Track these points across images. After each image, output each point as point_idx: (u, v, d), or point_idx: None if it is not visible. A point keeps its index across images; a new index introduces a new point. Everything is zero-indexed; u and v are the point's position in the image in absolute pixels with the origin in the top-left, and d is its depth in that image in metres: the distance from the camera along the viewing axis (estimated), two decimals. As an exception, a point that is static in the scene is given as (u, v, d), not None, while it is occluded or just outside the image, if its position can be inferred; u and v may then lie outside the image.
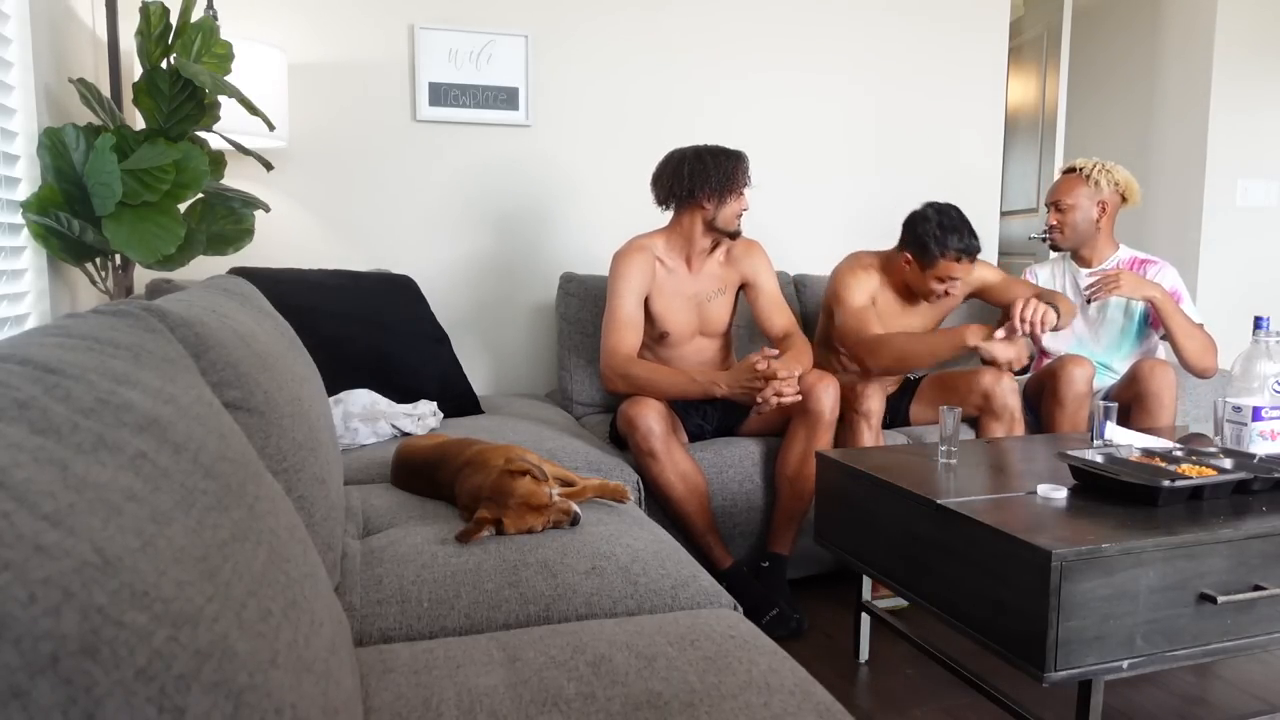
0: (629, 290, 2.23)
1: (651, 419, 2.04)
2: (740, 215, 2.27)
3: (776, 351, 2.11)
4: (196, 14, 2.19)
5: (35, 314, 1.72)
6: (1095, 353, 2.61)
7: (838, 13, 3.16)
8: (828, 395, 2.11)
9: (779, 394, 2.03)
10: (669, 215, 2.33)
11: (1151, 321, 2.58)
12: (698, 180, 2.19)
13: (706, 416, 2.33)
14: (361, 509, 1.58)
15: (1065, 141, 3.94)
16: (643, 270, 2.25)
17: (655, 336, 2.30)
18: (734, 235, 2.29)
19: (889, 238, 3.20)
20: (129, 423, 0.59)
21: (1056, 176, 2.77)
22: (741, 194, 2.24)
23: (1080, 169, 2.64)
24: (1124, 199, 2.64)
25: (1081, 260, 2.68)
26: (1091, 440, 1.87)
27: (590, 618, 1.19)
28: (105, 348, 0.69)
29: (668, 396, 2.16)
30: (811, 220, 3.21)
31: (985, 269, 2.51)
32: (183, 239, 1.77)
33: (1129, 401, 2.34)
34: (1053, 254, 2.90)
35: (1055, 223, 2.65)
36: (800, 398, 2.08)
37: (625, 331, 2.21)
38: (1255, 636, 1.40)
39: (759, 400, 2.05)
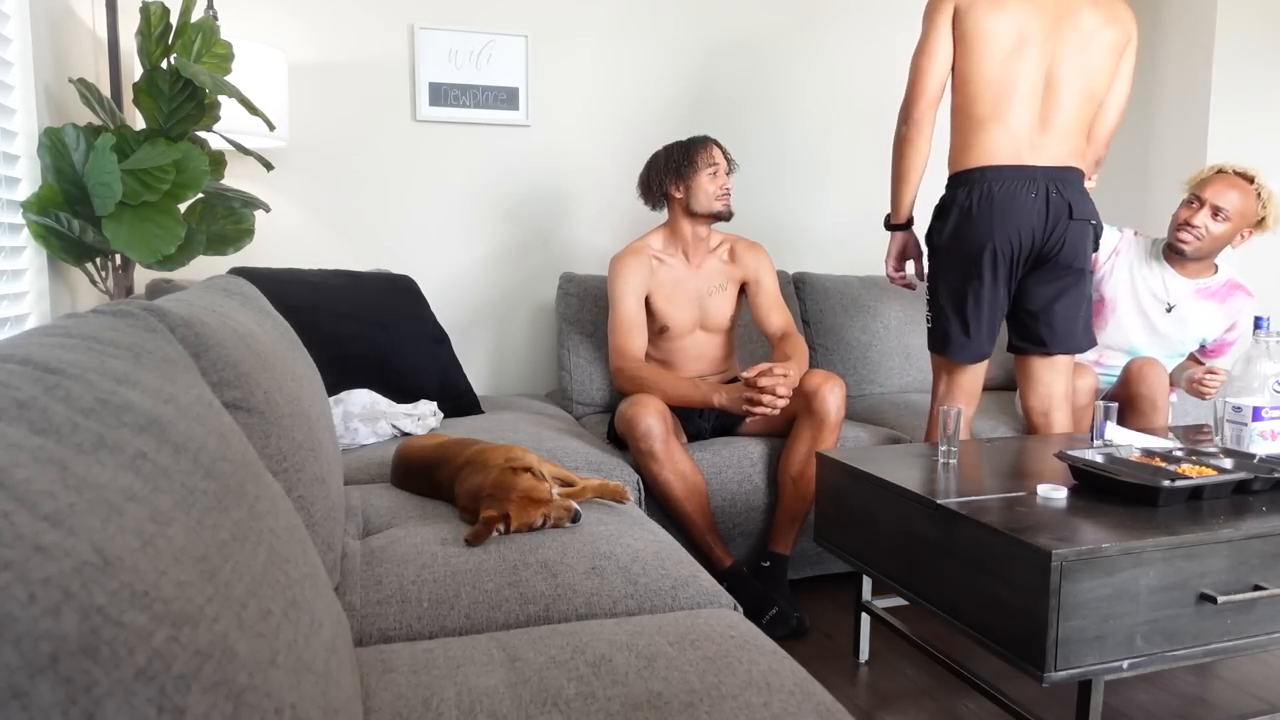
0: (627, 293, 2.29)
1: (651, 419, 2.05)
2: (720, 195, 2.29)
3: (768, 365, 2.12)
4: (196, 14, 2.19)
5: (35, 314, 1.72)
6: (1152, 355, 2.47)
7: (837, 15, 3.16)
8: (833, 397, 2.12)
9: (774, 392, 2.04)
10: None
11: (1206, 350, 2.49)
12: (656, 173, 2.33)
13: (705, 416, 2.33)
14: (361, 509, 1.58)
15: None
16: (638, 271, 2.31)
17: (656, 330, 2.34)
18: (721, 216, 2.32)
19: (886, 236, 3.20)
20: (129, 423, 0.59)
21: (1211, 169, 2.37)
22: (712, 173, 2.28)
23: (1254, 182, 2.29)
24: (1258, 229, 2.34)
25: (1179, 265, 2.40)
26: (1091, 440, 1.87)
27: (590, 618, 1.19)
28: (105, 348, 0.69)
29: (670, 400, 2.18)
30: (813, 219, 3.21)
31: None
32: (183, 239, 1.77)
33: (1123, 401, 2.33)
34: (1134, 235, 2.49)
35: (1201, 225, 2.29)
36: (788, 399, 2.09)
37: (630, 335, 2.28)
38: (1255, 636, 1.39)
39: (751, 408, 2.07)
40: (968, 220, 2.01)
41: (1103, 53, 2.02)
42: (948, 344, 2.11)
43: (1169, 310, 2.39)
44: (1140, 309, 2.44)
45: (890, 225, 2.21)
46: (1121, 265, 2.45)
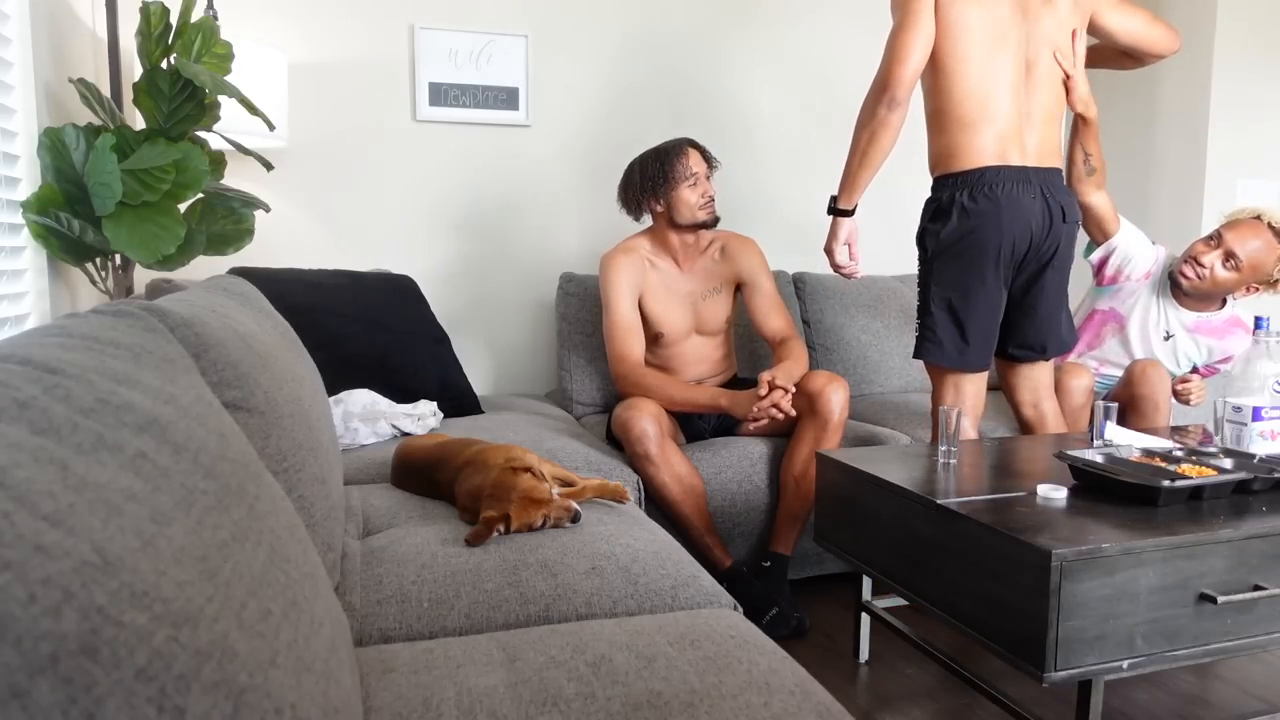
0: (622, 294, 2.26)
1: (645, 422, 2.04)
2: (703, 205, 2.23)
3: (773, 375, 2.10)
4: (196, 14, 2.19)
5: (35, 314, 1.72)
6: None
7: (839, 14, 3.16)
8: (837, 398, 2.11)
9: (777, 405, 2.04)
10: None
11: (1200, 370, 2.46)
12: (633, 189, 2.27)
13: (706, 417, 2.33)
14: (361, 509, 1.58)
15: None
16: (631, 271, 2.27)
17: (651, 337, 2.31)
18: (706, 224, 2.27)
19: (886, 235, 3.21)
20: (129, 423, 0.59)
21: (1251, 211, 2.28)
22: (692, 184, 2.22)
23: None
24: (1269, 289, 2.28)
25: (1182, 297, 2.35)
26: (1091, 440, 1.87)
27: (590, 618, 1.19)
28: (105, 348, 0.69)
29: (676, 407, 2.18)
30: (812, 217, 3.21)
31: None
32: (183, 239, 1.77)
33: (1125, 402, 2.33)
34: (1164, 256, 2.43)
35: (1208, 266, 2.24)
36: (794, 414, 2.10)
37: (628, 337, 2.24)
38: (1255, 636, 1.39)
39: (755, 412, 2.06)
40: (972, 221, 1.95)
41: (1068, 36, 2.00)
42: (942, 352, 2.02)
43: (1167, 339, 2.38)
44: (1144, 332, 2.42)
45: (839, 211, 2.08)
46: (1147, 288, 2.39)
